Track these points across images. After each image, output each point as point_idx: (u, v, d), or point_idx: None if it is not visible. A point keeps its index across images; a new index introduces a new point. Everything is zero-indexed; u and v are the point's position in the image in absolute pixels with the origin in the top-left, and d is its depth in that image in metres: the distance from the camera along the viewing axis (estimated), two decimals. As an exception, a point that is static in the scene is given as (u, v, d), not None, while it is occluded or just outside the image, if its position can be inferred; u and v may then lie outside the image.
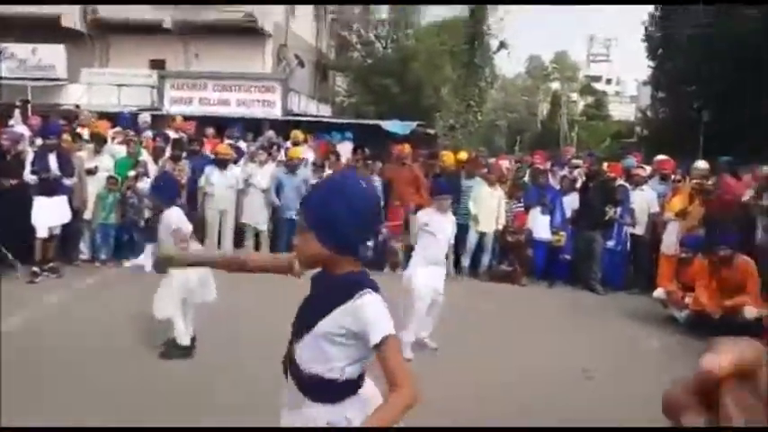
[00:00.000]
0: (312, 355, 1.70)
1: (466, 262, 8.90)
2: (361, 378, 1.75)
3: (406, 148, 9.89)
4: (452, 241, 5.60)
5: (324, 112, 24.40)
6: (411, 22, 30.65)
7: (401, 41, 30.25)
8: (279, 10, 21.45)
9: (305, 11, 25.05)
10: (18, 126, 9.24)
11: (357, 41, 31.75)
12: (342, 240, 1.68)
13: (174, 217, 4.80)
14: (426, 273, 5.29)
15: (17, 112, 11.60)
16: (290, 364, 1.77)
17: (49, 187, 7.51)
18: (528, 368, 5.18)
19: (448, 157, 9.73)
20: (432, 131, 19.48)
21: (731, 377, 0.45)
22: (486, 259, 9.03)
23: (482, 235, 8.94)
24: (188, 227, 4.84)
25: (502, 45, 30.36)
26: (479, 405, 4.37)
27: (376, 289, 1.68)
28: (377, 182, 9.29)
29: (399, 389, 1.54)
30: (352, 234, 1.68)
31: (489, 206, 8.87)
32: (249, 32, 20.40)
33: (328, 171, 9.54)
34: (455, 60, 29.51)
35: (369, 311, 1.61)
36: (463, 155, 10.46)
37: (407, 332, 5.14)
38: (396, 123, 15.97)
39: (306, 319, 1.74)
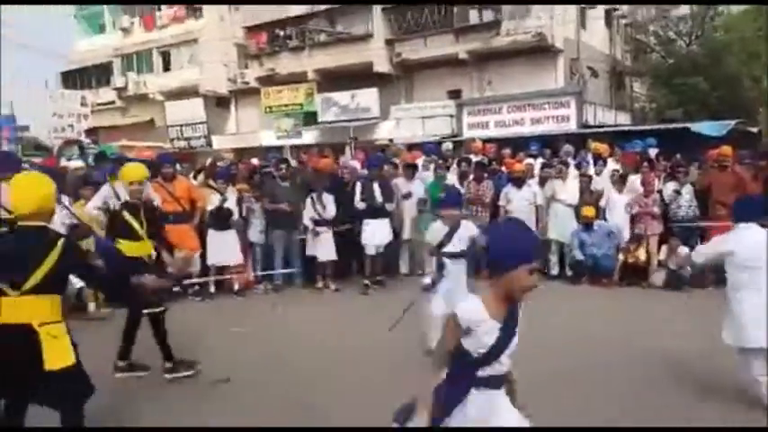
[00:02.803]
0: None
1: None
2: None
3: (726, 149, 8.80)
4: None
5: (622, 120, 23.19)
6: (719, 12, 27.40)
7: (707, 34, 27.20)
8: (569, 24, 21.16)
9: (596, 21, 24.26)
10: (351, 161, 10.82)
11: (655, 43, 29.53)
12: None
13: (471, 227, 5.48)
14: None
15: (348, 149, 13.63)
16: None
17: (375, 212, 8.61)
18: None
19: (783, 156, 8.40)
20: (755, 129, 16.99)
21: None
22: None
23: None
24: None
25: None
26: None
27: None
28: (688, 191, 8.54)
29: None
30: None
31: None
32: (539, 52, 20.52)
33: (636, 180, 9.07)
34: (780, 45, 25.36)
35: None
36: (802, 152, 8.95)
37: None
38: (709, 124, 14.36)
39: None
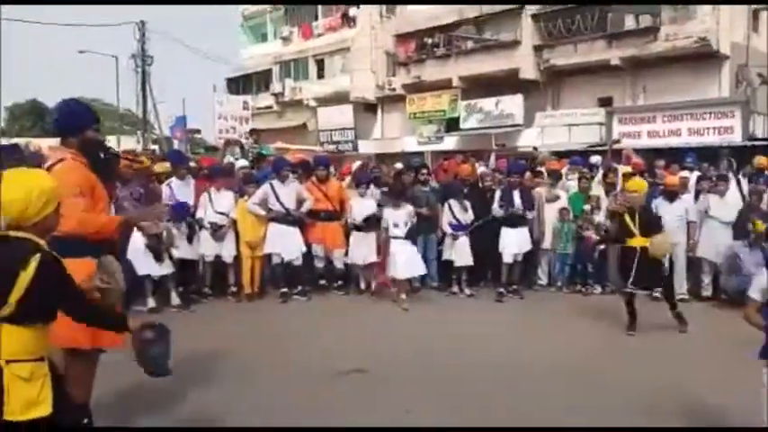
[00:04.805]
0: None
1: None
2: None
3: None
4: None
5: (799, 133, 20.91)
6: None
7: None
8: (738, 29, 19.51)
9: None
10: (486, 168, 10.84)
11: None
12: None
13: None
14: None
15: (492, 155, 13.72)
16: None
17: (514, 219, 8.58)
18: None
19: None
20: None
21: None
22: None
23: None
24: None
25: None
26: None
27: None
28: None
29: None
30: None
31: None
32: (701, 58, 19.15)
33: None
34: None
35: None
36: None
37: None
38: None
39: None
